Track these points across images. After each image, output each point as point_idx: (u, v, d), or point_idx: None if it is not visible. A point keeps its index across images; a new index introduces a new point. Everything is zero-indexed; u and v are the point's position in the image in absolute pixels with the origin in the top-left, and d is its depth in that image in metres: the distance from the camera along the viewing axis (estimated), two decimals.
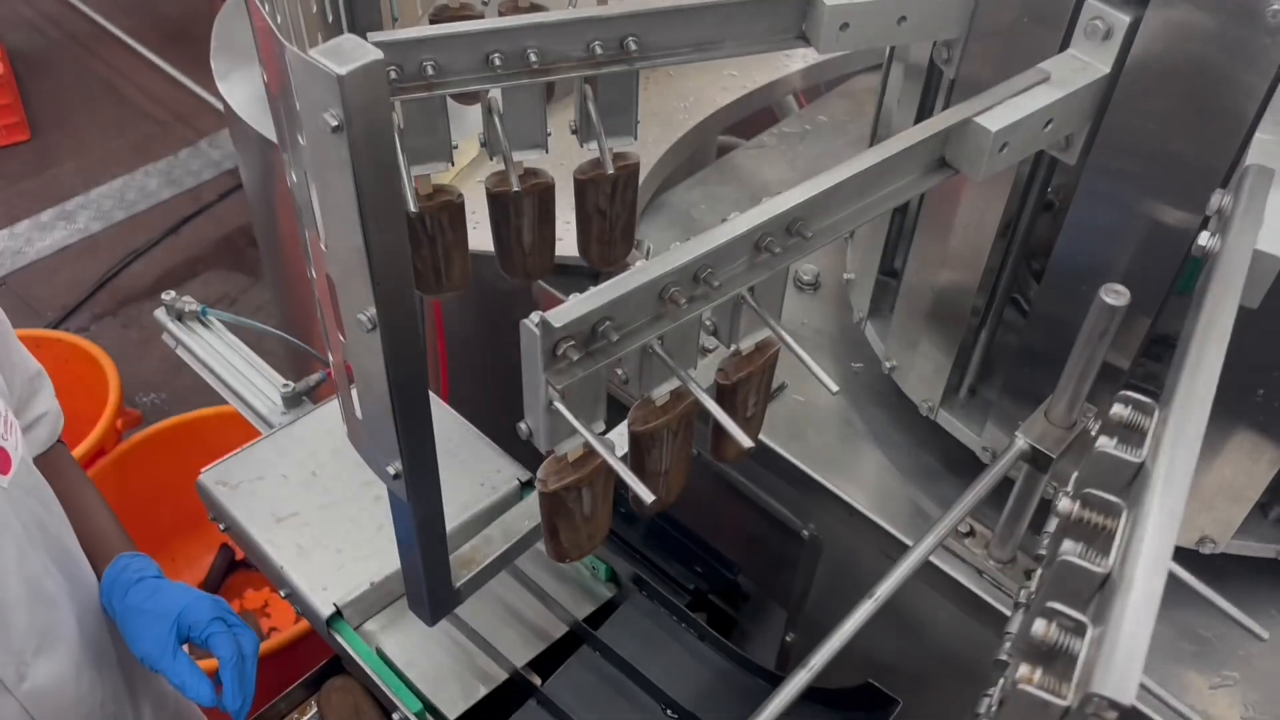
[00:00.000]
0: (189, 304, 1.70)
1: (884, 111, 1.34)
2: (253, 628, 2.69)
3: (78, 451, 2.39)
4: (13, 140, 4.04)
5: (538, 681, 1.27)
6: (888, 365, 1.35)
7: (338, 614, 1.30)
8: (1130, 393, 0.76)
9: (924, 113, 1.23)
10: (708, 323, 0.93)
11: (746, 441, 0.81)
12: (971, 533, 1.26)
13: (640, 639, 1.31)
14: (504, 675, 1.30)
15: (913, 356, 1.30)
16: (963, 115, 0.93)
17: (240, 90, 1.95)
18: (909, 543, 1.27)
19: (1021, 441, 1.06)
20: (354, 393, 0.95)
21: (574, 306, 0.76)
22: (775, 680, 1.26)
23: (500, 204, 1.17)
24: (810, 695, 1.21)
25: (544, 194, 1.18)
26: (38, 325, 3.21)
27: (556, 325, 0.74)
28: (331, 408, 1.55)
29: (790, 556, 1.43)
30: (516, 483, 1.43)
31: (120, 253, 3.65)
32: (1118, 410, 0.75)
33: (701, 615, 1.43)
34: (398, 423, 0.89)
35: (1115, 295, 0.95)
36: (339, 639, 1.30)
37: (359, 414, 0.97)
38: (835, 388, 0.85)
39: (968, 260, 1.18)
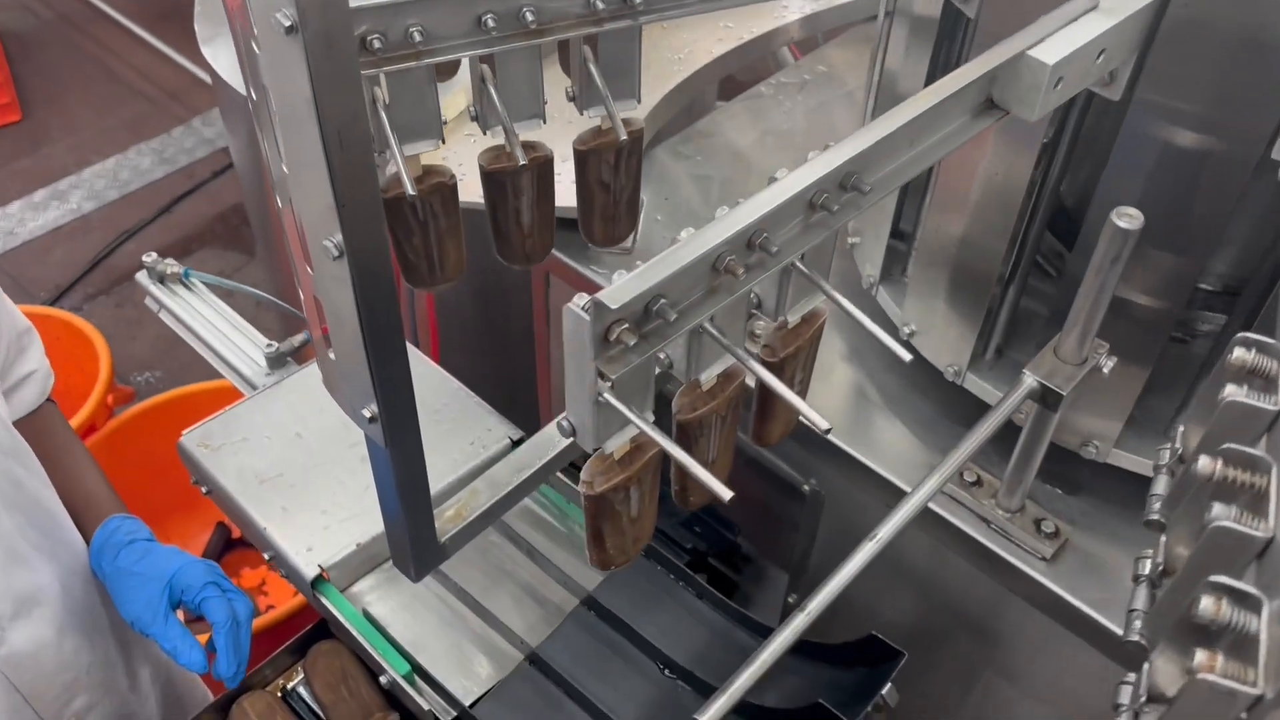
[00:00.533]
0: (171, 266, 1.65)
1: (887, 68, 1.27)
2: None
3: None
4: (5, 120, 4.00)
5: (532, 642, 1.22)
6: (906, 330, 1.29)
7: (322, 576, 1.26)
8: (1250, 334, 0.69)
9: (936, 64, 1.16)
10: (752, 296, 0.87)
11: (823, 424, 0.73)
12: (979, 482, 1.21)
13: (636, 598, 1.26)
14: (496, 637, 1.25)
15: (933, 320, 1.24)
16: (1013, 51, 0.86)
17: (226, 55, 1.90)
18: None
19: (1030, 379, 1.02)
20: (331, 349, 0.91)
21: (628, 285, 0.68)
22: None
23: (497, 183, 1.10)
24: (813, 652, 1.17)
25: (544, 168, 1.11)
26: (30, 305, 3.17)
27: (613, 307, 0.66)
28: (314, 369, 1.50)
29: (791, 513, 1.38)
30: (508, 441, 1.38)
31: (113, 232, 3.61)
32: (1240, 355, 0.68)
33: (701, 577, 1.39)
34: (371, 359, 0.84)
35: (1128, 219, 0.90)
36: (324, 601, 1.26)
37: (332, 354, 0.92)
38: (908, 356, 0.79)
39: (995, 218, 1.11)
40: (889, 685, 1.13)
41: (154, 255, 1.66)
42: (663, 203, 1.56)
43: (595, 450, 0.77)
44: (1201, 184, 0.96)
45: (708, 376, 0.82)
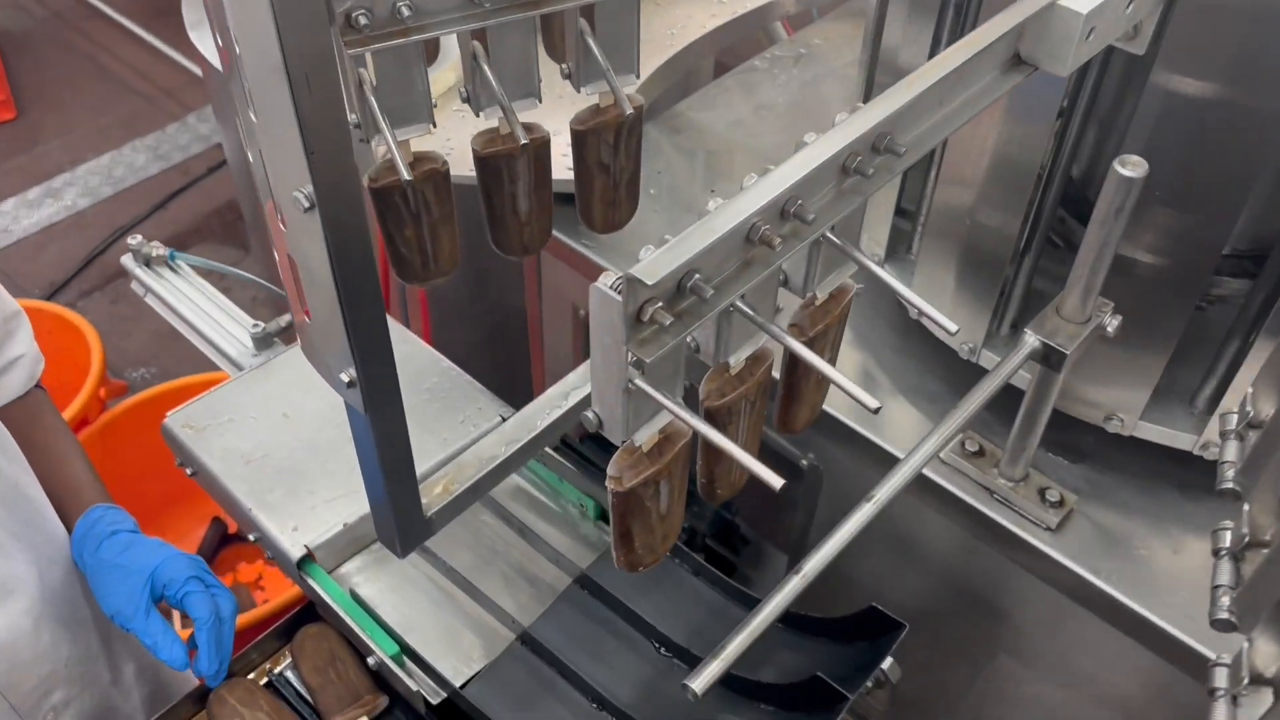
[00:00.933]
0: (156, 249, 1.62)
1: (885, 43, 1.23)
2: (245, 601, 2.64)
3: None
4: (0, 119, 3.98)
5: (524, 622, 1.19)
6: (915, 311, 1.24)
7: (309, 556, 1.23)
8: None
9: (940, 35, 1.13)
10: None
11: (872, 402, 0.69)
12: (981, 451, 1.18)
13: (631, 576, 1.23)
14: (488, 617, 1.22)
15: (944, 298, 1.20)
16: (1043, 2, 0.82)
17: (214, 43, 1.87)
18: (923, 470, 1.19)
19: (1032, 339, 0.98)
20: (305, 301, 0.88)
21: (662, 259, 0.63)
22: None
23: (493, 168, 1.04)
24: (811, 627, 1.13)
25: (542, 150, 1.05)
26: (23, 300, 3.14)
27: (649, 283, 0.61)
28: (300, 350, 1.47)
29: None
30: (499, 419, 1.35)
31: (108, 229, 3.58)
32: None
33: (699, 557, 1.35)
34: (346, 316, 0.81)
35: (1132, 167, 0.87)
36: (311, 582, 1.23)
37: (309, 318, 0.89)
38: (954, 327, 0.76)
39: (1008, 192, 1.08)
40: (890, 660, 1.10)
41: (139, 238, 1.64)
42: (655, 176, 1.53)
43: (623, 443, 0.73)
44: (1224, 142, 0.92)
45: (736, 360, 0.78)
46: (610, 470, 0.75)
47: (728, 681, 1.11)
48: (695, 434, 0.74)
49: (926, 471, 1.19)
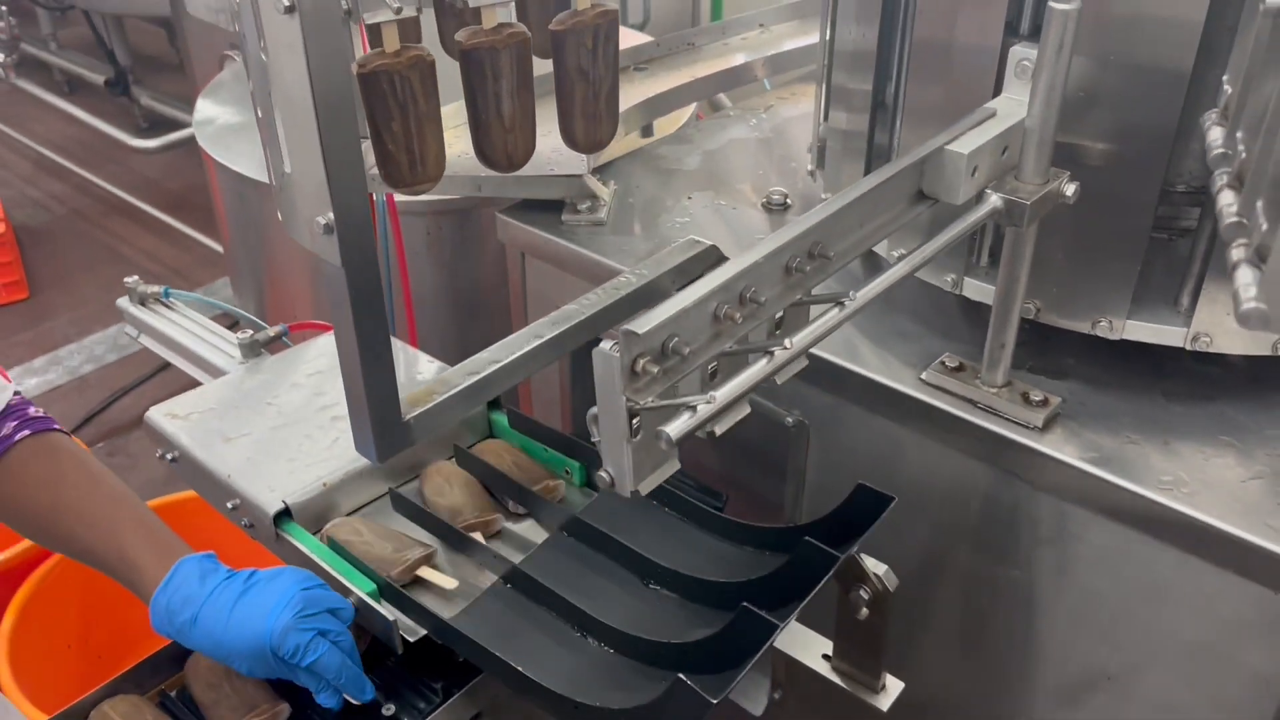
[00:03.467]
0: (152, 289, 1.67)
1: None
2: None
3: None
4: (12, 298, 4.11)
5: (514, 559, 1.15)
6: (896, 255, 1.28)
7: (286, 512, 1.20)
8: None
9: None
10: None
11: None
12: (961, 367, 1.18)
13: (616, 522, 1.19)
14: (470, 564, 1.18)
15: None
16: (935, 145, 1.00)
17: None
18: (906, 390, 1.19)
19: (994, 198, 1.01)
20: (281, 137, 0.91)
21: (649, 317, 0.79)
22: (765, 540, 1.14)
23: (476, 62, 1.08)
24: (800, 530, 1.10)
25: (523, 48, 1.08)
26: None
27: (640, 333, 0.77)
28: (290, 353, 1.49)
29: (777, 454, 1.33)
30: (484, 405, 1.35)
31: (109, 390, 3.63)
32: None
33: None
34: (323, 142, 0.84)
35: (1065, 2, 0.93)
36: (288, 538, 1.19)
37: (286, 163, 0.92)
38: None
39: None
40: (885, 567, 1.06)
41: (135, 278, 1.68)
42: (635, 190, 1.60)
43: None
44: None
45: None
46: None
47: (718, 595, 1.07)
48: None
49: (912, 392, 1.19)
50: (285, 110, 0.88)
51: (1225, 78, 0.88)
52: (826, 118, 1.38)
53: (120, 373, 3.73)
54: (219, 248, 3.88)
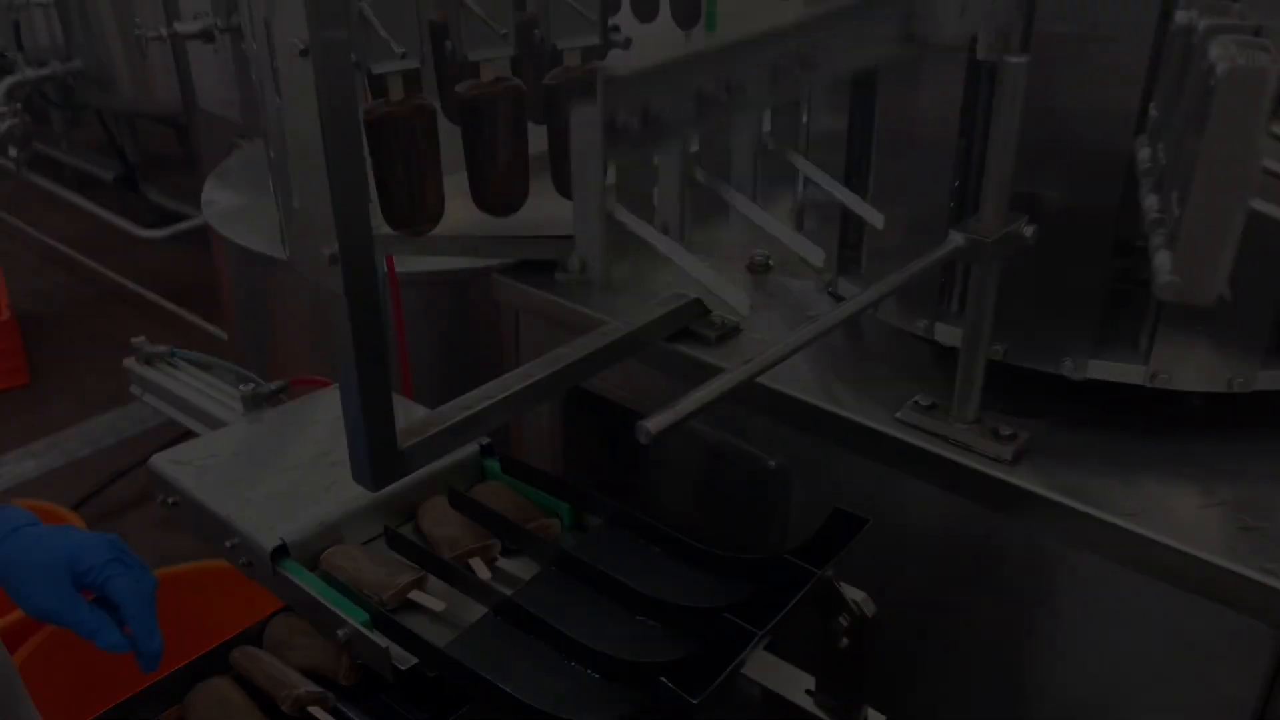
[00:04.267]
0: (158, 348, 1.73)
1: None
2: None
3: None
4: (12, 384, 4.16)
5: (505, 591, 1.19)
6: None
7: (283, 549, 1.23)
8: None
9: None
10: None
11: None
12: (933, 406, 1.23)
13: (604, 558, 1.23)
14: (461, 595, 1.21)
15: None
16: None
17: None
18: (882, 429, 1.24)
19: (956, 237, 1.08)
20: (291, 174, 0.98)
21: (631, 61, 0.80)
22: (748, 571, 1.18)
23: (474, 111, 1.17)
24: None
25: (519, 98, 1.19)
26: None
27: (622, 75, 0.77)
28: (291, 406, 1.54)
29: (757, 499, 1.37)
30: (476, 447, 1.40)
31: (107, 473, 3.66)
32: None
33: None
34: (331, 174, 0.91)
35: (1016, 55, 1.01)
36: (286, 575, 1.22)
37: (296, 199, 0.98)
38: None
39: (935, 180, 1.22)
40: (862, 594, 1.09)
41: (142, 338, 1.75)
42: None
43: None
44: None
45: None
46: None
47: (702, 621, 1.10)
48: None
49: (888, 430, 1.24)
50: (296, 147, 0.95)
51: (1152, 105, 0.96)
52: None
53: (119, 454, 3.77)
54: (223, 334, 3.96)
